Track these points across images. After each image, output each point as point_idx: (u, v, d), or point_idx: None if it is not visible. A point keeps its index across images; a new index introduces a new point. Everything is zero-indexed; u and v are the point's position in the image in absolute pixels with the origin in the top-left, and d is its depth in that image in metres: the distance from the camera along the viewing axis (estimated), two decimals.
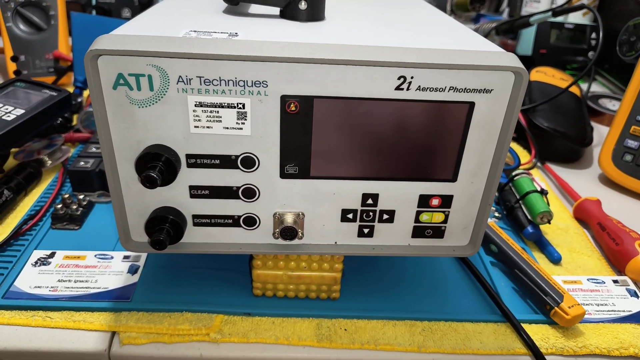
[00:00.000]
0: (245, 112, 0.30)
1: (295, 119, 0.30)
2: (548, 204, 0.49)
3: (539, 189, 0.50)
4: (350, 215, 0.35)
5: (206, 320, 0.36)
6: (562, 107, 0.68)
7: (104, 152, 0.30)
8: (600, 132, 0.76)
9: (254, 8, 0.38)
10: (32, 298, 0.37)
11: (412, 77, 0.30)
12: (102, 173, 0.47)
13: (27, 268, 0.40)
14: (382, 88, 0.30)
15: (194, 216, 0.34)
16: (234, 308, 0.38)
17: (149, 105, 0.29)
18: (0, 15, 0.67)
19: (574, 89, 0.72)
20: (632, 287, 0.44)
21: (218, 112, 0.30)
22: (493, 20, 1.00)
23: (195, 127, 0.30)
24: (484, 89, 0.30)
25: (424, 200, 0.34)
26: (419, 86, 0.30)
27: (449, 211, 0.35)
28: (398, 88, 0.30)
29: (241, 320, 0.37)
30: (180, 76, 0.28)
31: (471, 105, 0.31)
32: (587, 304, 0.42)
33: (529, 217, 0.49)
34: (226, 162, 0.32)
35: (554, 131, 0.64)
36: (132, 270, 0.40)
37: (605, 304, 0.42)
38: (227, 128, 0.31)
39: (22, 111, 0.46)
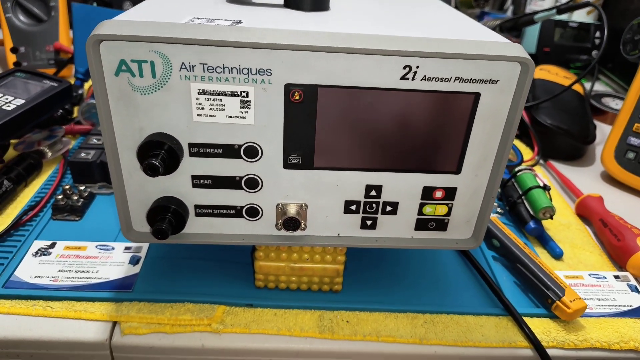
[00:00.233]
0: (249, 101, 0.30)
1: (299, 108, 0.30)
2: (551, 199, 0.49)
3: (541, 184, 0.50)
4: (353, 207, 0.34)
5: (208, 311, 0.36)
6: (566, 105, 0.68)
7: (105, 141, 0.30)
8: (602, 130, 0.76)
9: None
10: (32, 288, 0.37)
11: (417, 67, 0.29)
12: (103, 164, 0.47)
13: (27, 258, 0.40)
14: (387, 78, 0.30)
15: (196, 206, 0.34)
16: (236, 299, 0.37)
17: (152, 93, 0.29)
18: (0, 6, 0.67)
19: (577, 88, 0.72)
20: (633, 282, 0.44)
21: (221, 100, 0.30)
22: (497, 17, 1.00)
23: (198, 115, 0.30)
24: (490, 80, 0.30)
25: (427, 193, 0.34)
26: (425, 76, 0.30)
27: (452, 204, 0.35)
28: (403, 78, 0.30)
29: (243, 312, 0.37)
30: (183, 63, 0.28)
31: (477, 96, 0.31)
32: (588, 299, 0.42)
33: (532, 212, 0.49)
34: (229, 151, 0.32)
35: (557, 128, 0.64)
36: (134, 261, 0.40)
37: (606, 299, 0.42)
38: (231, 117, 0.30)
39: (22, 101, 0.46)
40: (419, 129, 0.32)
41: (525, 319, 0.38)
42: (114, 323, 0.36)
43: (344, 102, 0.30)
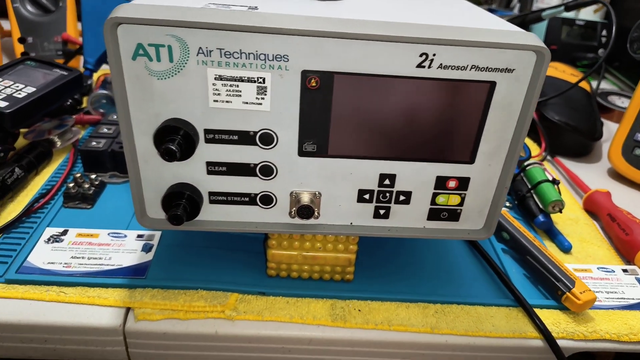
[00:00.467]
0: (266, 87, 0.30)
1: (315, 95, 0.30)
2: (560, 193, 0.49)
3: (550, 178, 0.50)
4: (366, 196, 0.35)
5: (221, 298, 0.36)
6: (573, 102, 0.68)
7: (122, 125, 0.30)
8: (609, 128, 0.76)
9: None
10: (45, 273, 0.37)
11: (434, 55, 0.29)
12: (114, 153, 0.47)
13: (39, 245, 0.40)
14: (404, 65, 0.30)
15: (211, 193, 0.34)
16: (249, 287, 0.38)
17: (168, 77, 0.29)
18: None
19: (584, 85, 0.72)
20: None
21: (238, 86, 0.30)
22: (504, 15, 1.00)
23: (214, 101, 0.30)
24: (506, 69, 0.30)
25: (440, 182, 0.34)
26: (441, 64, 0.30)
27: (465, 194, 0.35)
28: (419, 66, 0.30)
29: (256, 299, 0.37)
30: (200, 47, 0.28)
31: (492, 85, 0.31)
32: (597, 292, 0.42)
33: (541, 206, 0.49)
34: (244, 138, 0.32)
35: (565, 125, 0.64)
36: (146, 248, 0.40)
37: (615, 292, 0.42)
38: (247, 103, 0.30)
39: (34, 89, 0.46)
40: (434, 118, 0.32)
41: (535, 310, 0.38)
42: (128, 309, 0.36)
43: (359, 89, 0.30)
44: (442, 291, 0.40)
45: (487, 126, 0.32)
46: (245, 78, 0.29)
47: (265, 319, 0.36)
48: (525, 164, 0.53)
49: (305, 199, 0.34)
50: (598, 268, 0.45)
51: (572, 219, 0.52)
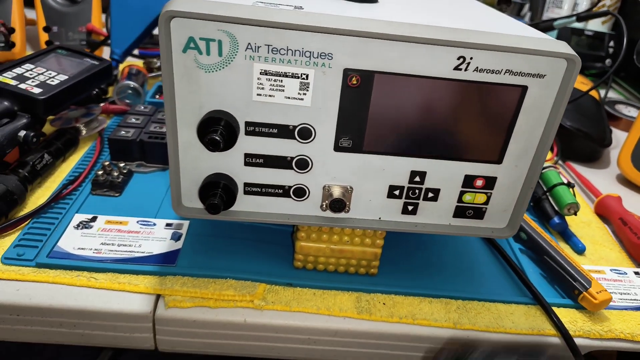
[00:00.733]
0: (308, 83, 0.31)
1: (355, 93, 0.31)
2: (574, 196, 0.50)
3: (565, 182, 0.51)
4: (396, 192, 0.36)
5: (250, 288, 0.37)
6: (584, 109, 0.70)
7: (167, 115, 0.31)
8: (616, 135, 0.77)
9: None
10: (76, 259, 0.38)
11: (471, 58, 0.31)
12: (142, 143, 0.48)
13: (69, 230, 0.41)
14: (442, 67, 0.31)
15: (246, 184, 0.35)
16: (276, 278, 0.38)
17: (216, 71, 0.30)
18: None
19: (593, 94, 0.74)
20: None
21: (282, 81, 0.31)
22: None
23: (257, 94, 0.31)
24: (538, 74, 0.31)
25: (468, 181, 0.35)
26: (477, 67, 0.31)
27: (491, 193, 0.36)
28: (457, 68, 0.31)
29: (283, 290, 0.38)
30: (249, 43, 0.29)
31: (524, 89, 0.32)
32: (611, 292, 0.43)
33: (556, 208, 0.50)
34: (284, 131, 0.33)
35: (577, 130, 0.65)
36: (175, 237, 0.41)
37: (628, 293, 0.43)
38: (289, 98, 0.31)
39: (66, 77, 0.46)
40: (466, 118, 0.33)
41: (553, 308, 0.39)
42: (158, 296, 0.37)
43: (397, 89, 0.31)
44: (463, 287, 0.41)
45: (517, 128, 0.33)
46: (290, 74, 0.30)
47: (293, 309, 0.37)
48: None
49: (338, 192, 0.35)
50: (611, 270, 0.46)
51: (584, 222, 0.53)
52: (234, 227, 0.43)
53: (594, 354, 0.40)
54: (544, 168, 0.54)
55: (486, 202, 0.36)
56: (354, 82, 0.31)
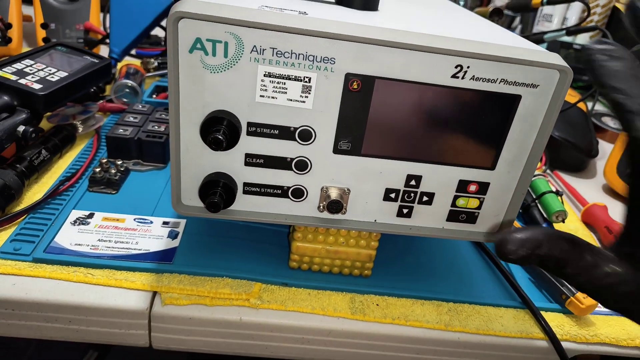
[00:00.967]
0: (310, 86, 0.32)
1: (355, 97, 0.32)
2: (563, 204, 0.52)
3: (554, 190, 0.53)
4: (392, 195, 0.36)
5: (246, 287, 0.38)
6: (572, 120, 0.72)
7: (171, 114, 0.32)
8: (603, 147, 0.80)
9: None
10: (73, 254, 0.38)
11: (468, 67, 0.32)
12: (140, 141, 0.48)
13: (66, 226, 0.41)
14: (440, 75, 0.32)
15: (245, 184, 0.35)
16: (272, 277, 0.39)
17: (221, 72, 0.31)
18: None
19: (580, 106, 0.76)
20: None
21: (285, 83, 0.31)
22: None
23: (260, 96, 0.32)
24: (531, 84, 0.33)
25: (462, 186, 0.37)
26: (474, 76, 0.32)
27: (484, 198, 0.37)
28: (454, 76, 0.32)
29: (279, 289, 0.39)
30: (254, 46, 0.30)
31: (518, 98, 0.33)
32: None
33: (545, 215, 0.51)
34: (285, 133, 0.33)
35: (565, 141, 0.67)
36: (172, 235, 0.41)
37: None
38: (291, 100, 0.32)
39: (65, 74, 0.47)
40: (462, 125, 0.34)
41: (541, 312, 0.40)
42: (154, 293, 0.37)
43: (397, 94, 0.32)
44: (454, 290, 0.42)
45: (510, 136, 0.35)
46: (293, 77, 0.31)
47: (288, 308, 0.37)
48: None
49: (335, 194, 0.36)
50: None
51: (571, 229, 0.55)
52: (229, 227, 0.44)
53: (579, 357, 0.41)
54: (534, 176, 0.55)
55: (479, 207, 0.38)
56: (355, 87, 0.32)
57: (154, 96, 0.63)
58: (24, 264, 0.37)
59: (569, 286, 0.41)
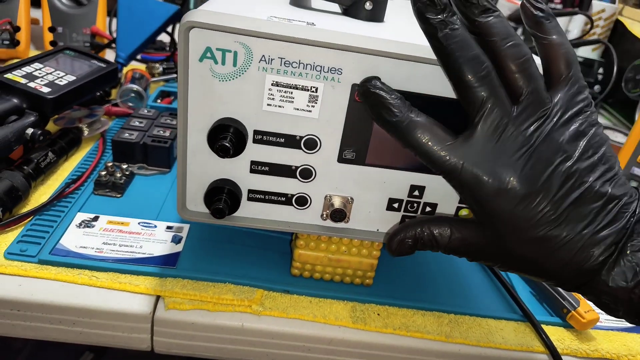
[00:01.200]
0: (317, 96, 0.32)
1: (361, 107, 0.33)
2: None
3: None
4: (395, 205, 0.37)
5: (248, 293, 0.38)
6: None
7: (179, 120, 0.32)
8: None
9: (316, 4, 0.40)
10: (78, 257, 0.38)
11: None
12: (145, 146, 0.49)
13: (71, 228, 0.41)
14: (444, 87, 0.32)
15: (250, 191, 0.36)
16: (274, 284, 0.39)
17: (230, 80, 0.31)
18: None
19: None
20: None
21: (292, 93, 0.32)
22: None
23: (267, 105, 0.32)
24: None
25: None
26: None
27: None
28: None
29: (281, 297, 0.39)
30: (263, 55, 0.30)
31: None
32: (598, 312, 0.44)
33: None
34: (290, 141, 0.34)
35: None
36: (176, 240, 0.41)
37: None
38: (298, 109, 0.32)
39: (74, 78, 0.47)
40: None
41: (542, 326, 0.40)
42: (157, 297, 0.37)
43: None
44: (455, 302, 0.42)
45: None
46: (300, 86, 0.32)
47: (289, 316, 0.37)
48: None
49: (338, 203, 0.36)
50: None
51: None
52: (232, 233, 0.44)
53: None
54: None
55: None
56: None
57: (159, 101, 0.64)
58: (30, 265, 0.37)
59: (571, 300, 0.41)
